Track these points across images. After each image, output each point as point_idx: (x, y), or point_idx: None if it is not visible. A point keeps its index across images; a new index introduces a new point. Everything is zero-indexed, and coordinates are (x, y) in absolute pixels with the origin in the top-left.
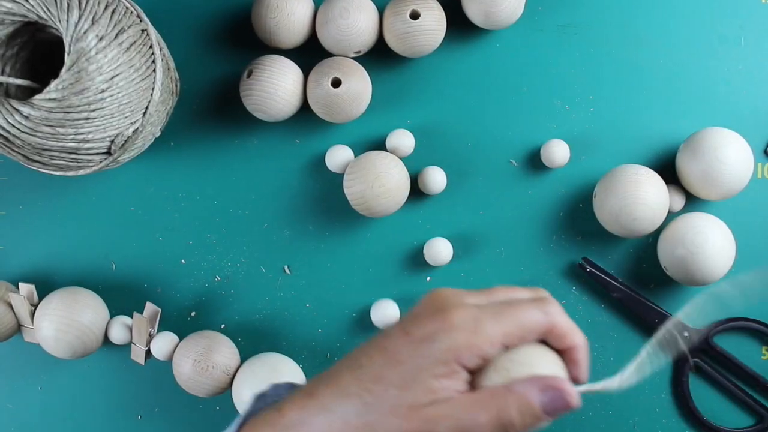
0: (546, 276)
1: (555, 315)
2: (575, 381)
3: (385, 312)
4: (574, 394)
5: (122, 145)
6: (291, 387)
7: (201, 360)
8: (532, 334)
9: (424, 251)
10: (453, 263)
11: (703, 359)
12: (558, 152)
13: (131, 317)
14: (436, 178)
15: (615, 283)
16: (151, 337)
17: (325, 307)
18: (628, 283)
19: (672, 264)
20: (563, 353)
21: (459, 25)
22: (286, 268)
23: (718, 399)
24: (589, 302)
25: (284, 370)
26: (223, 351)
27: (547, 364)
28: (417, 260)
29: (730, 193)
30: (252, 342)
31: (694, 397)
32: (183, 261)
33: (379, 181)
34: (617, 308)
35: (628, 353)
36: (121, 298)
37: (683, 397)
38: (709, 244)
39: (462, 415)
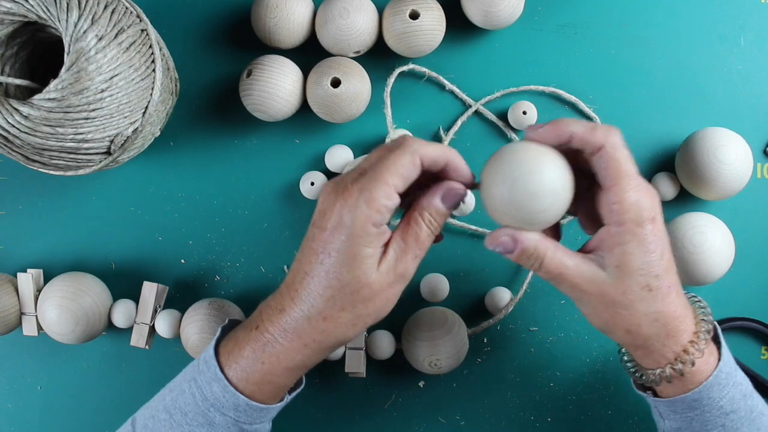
0: None
1: (420, 151)
2: (464, 179)
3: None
4: (457, 185)
5: (122, 144)
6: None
7: (213, 313)
8: (407, 171)
9: (422, 287)
10: (451, 268)
11: None
12: None
13: (133, 305)
14: None
15: None
16: (156, 312)
17: None
18: None
19: None
20: (445, 173)
21: (458, 25)
22: (285, 268)
23: None
24: None
25: None
26: (231, 311)
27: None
28: None
29: (729, 193)
30: None
31: None
32: (183, 261)
33: None
34: None
35: None
36: (120, 298)
37: None
38: (708, 243)
39: (404, 252)
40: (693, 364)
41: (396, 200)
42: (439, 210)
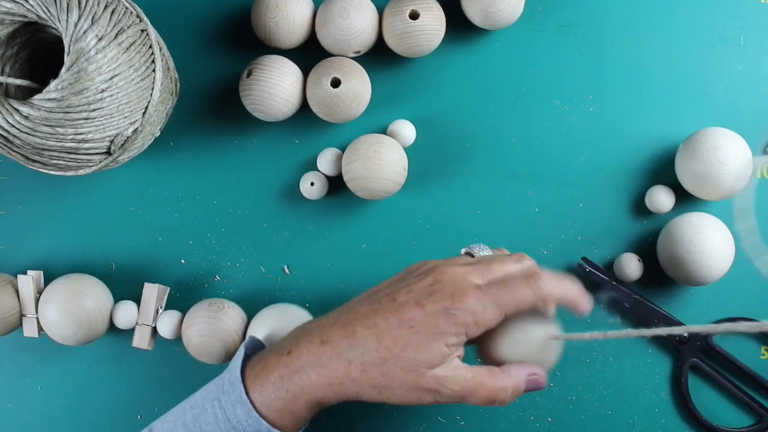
0: None
1: (542, 289)
2: (581, 313)
3: None
4: (545, 382)
5: (122, 145)
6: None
7: (213, 314)
8: (525, 307)
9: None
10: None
11: (703, 359)
12: None
13: (134, 306)
14: (405, 131)
15: (614, 282)
16: (158, 313)
17: (325, 306)
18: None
19: (671, 264)
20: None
21: (458, 25)
22: (285, 268)
23: (718, 399)
24: None
25: (293, 316)
26: (230, 313)
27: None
28: (415, 257)
29: (729, 193)
30: None
31: (694, 397)
32: (183, 261)
33: (374, 148)
34: (616, 308)
35: (627, 352)
36: (120, 299)
37: (683, 397)
38: (708, 244)
39: (466, 385)
40: None
41: (497, 322)
42: (518, 388)
